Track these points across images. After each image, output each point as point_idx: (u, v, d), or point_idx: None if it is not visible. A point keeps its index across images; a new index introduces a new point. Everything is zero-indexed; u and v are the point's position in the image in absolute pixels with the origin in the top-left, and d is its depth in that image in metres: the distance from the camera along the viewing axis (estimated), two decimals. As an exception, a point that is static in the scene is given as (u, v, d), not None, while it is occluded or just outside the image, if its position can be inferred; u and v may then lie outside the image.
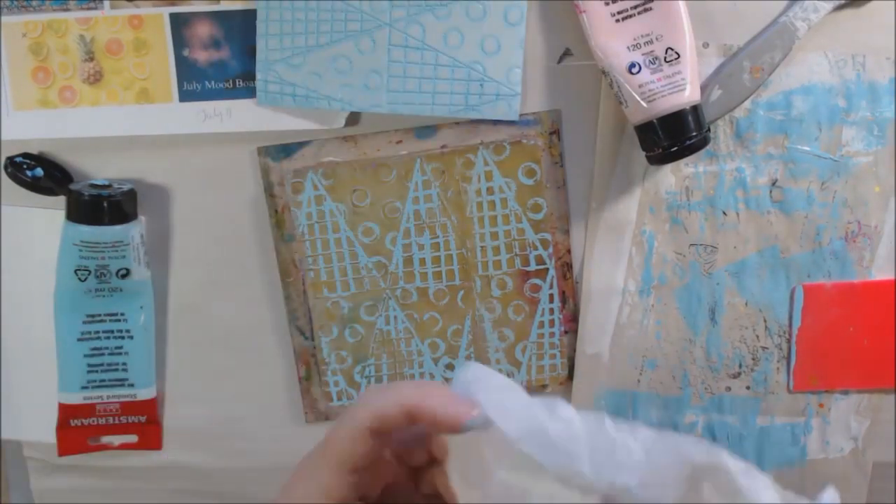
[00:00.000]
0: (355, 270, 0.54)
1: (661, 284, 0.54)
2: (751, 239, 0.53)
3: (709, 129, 0.48)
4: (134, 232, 0.52)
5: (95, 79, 0.51)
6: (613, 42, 0.47)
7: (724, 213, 0.53)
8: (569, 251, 0.54)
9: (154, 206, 0.54)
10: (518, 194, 0.53)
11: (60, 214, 0.51)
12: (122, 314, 0.54)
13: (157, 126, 0.52)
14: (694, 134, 0.47)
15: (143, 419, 0.56)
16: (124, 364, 0.55)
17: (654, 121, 0.47)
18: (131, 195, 0.52)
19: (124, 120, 0.52)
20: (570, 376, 0.56)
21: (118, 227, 0.51)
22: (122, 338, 0.54)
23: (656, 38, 0.47)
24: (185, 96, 0.51)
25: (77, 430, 0.56)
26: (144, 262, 0.53)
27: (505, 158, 0.53)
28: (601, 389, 0.56)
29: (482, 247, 0.54)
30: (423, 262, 0.54)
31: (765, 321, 0.55)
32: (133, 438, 0.57)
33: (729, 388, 0.56)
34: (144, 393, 0.56)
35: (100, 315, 0.54)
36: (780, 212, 0.53)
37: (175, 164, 0.53)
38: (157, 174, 0.54)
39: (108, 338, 0.54)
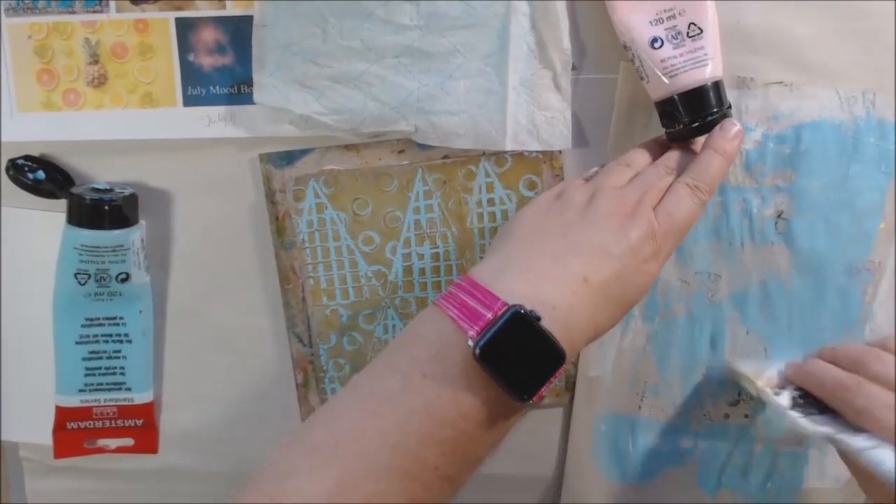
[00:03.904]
0: (355, 279, 0.54)
1: (665, 311, 0.54)
2: (755, 269, 0.53)
3: (730, 106, 0.48)
4: (134, 236, 0.52)
5: (100, 82, 0.51)
6: (636, 16, 0.47)
7: (730, 243, 0.53)
8: None
9: (155, 210, 0.54)
10: (519, 206, 0.53)
11: (61, 217, 0.51)
12: (121, 318, 0.54)
13: (160, 130, 0.52)
14: (715, 110, 0.47)
15: (139, 423, 0.56)
16: (122, 368, 0.55)
17: (675, 96, 0.47)
18: (132, 200, 0.52)
19: (128, 123, 0.52)
20: (567, 388, 0.56)
21: (119, 232, 0.51)
22: (121, 341, 0.54)
23: (679, 13, 0.47)
24: (189, 101, 0.51)
25: (73, 432, 0.56)
26: (144, 267, 0.53)
27: (506, 170, 0.52)
28: (601, 412, 0.56)
29: (481, 258, 0.54)
30: (422, 271, 0.54)
31: (765, 351, 0.54)
32: (129, 442, 0.57)
33: (727, 416, 0.55)
34: (141, 397, 0.56)
35: (98, 318, 0.54)
36: (785, 244, 0.53)
37: (177, 168, 0.53)
38: (159, 178, 0.53)
39: (106, 341, 0.54)
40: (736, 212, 0.53)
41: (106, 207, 0.50)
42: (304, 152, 0.52)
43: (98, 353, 0.54)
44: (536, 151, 0.52)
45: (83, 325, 0.54)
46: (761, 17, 0.50)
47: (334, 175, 0.53)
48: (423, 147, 0.52)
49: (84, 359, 0.54)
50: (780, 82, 0.51)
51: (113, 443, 0.57)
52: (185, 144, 0.52)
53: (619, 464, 0.56)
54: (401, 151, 0.53)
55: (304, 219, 0.53)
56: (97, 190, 0.51)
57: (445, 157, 0.52)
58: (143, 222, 0.53)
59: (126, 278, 0.52)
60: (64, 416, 0.55)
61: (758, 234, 0.53)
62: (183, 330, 0.56)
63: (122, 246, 0.51)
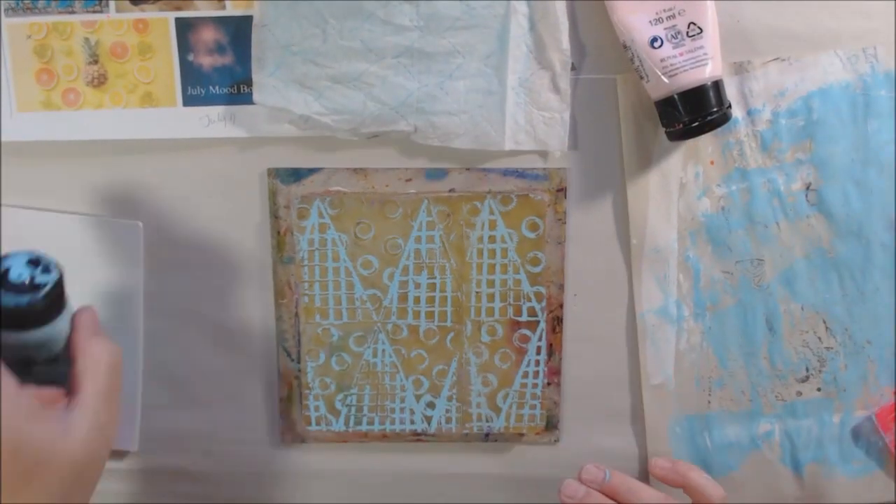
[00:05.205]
0: (350, 301, 0.54)
1: (713, 305, 0.54)
2: (795, 245, 0.53)
3: (730, 106, 0.48)
4: (63, 325, 0.40)
5: (99, 82, 0.51)
6: (635, 16, 0.47)
7: (765, 225, 0.53)
8: (561, 306, 0.54)
9: (155, 210, 0.54)
10: (519, 246, 0.53)
11: (60, 216, 0.51)
12: None
13: (160, 130, 0.52)
14: (715, 110, 0.47)
15: None
16: None
17: (675, 96, 0.47)
18: (57, 290, 0.39)
19: (127, 123, 0.52)
20: (548, 427, 0.56)
21: (44, 329, 0.39)
22: None
23: (679, 13, 0.47)
24: (189, 101, 0.51)
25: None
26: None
27: (511, 210, 0.53)
28: (673, 416, 0.56)
29: (477, 292, 0.54)
30: (417, 300, 0.54)
31: (824, 322, 0.54)
32: None
33: (800, 393, 0.55)
34: None
35: None
36: (820, 213, 0.53)
37: (177, 168, 0.53)
38: (158, 178, 0.53)
39: None
40: (763, 194, 0.52)
41: (24, 313, 0.38)
42: (312, 171, 0.52)
43: None
44: (542, 194, 0.52)
45: None
46: (761, 17, 0.50)
47: (340, 197, 0.53)
48: (430, 178, 0.52)
49: None
50: (778, 58, 0.51)
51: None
52: (184, 144, 0.52)
53: (701, 461, 0.56)
54: (408, 180, 0.53)
55: (306, 237, 0.53)
56: (13, 286, 0.38)
57: (452, 190, 0.53)
58: (71, 305, 0.42)
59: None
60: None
61: (791, 211, 0.53)
62: (182, 329, 0.56)
63: (49, 340, 0.40)
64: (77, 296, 0.53)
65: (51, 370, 0.40)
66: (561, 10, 0.49)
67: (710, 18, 0.47)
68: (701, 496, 0.50)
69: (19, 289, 0.38)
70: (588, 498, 0.50)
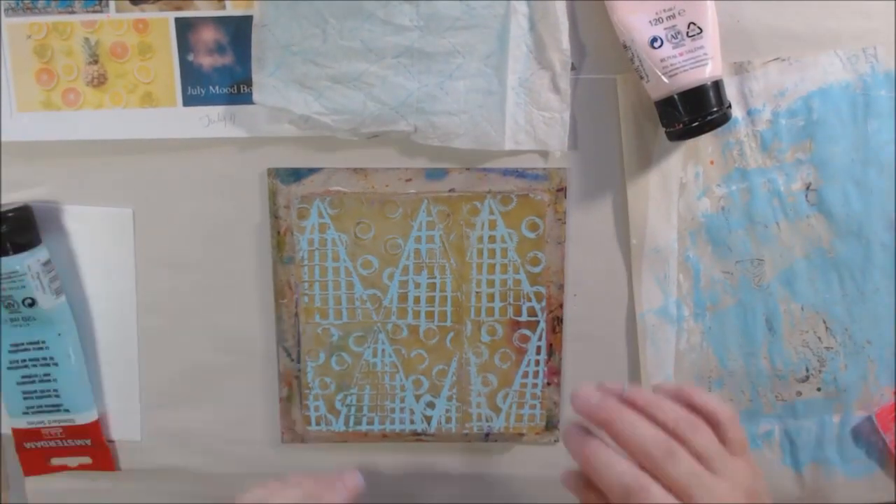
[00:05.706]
0: (350, 301, 0.54)
1: (713, 305, 0.54)
2: (795, 245, 0.53)
3: (729, 106, 0.48)
4: (31, 261, 0.51)
5: (99, 82, 0.51)
6: (635, 16, 0.47)
7: (765, 225, 0.53)
8: (561, 306, 0.54)
9: (154, 209, 0.54)
10: (519, 246, 0.53)
11: (49, 206, 0.51)
12: (43, 342, 0.53)
13: (160, 130, 0.52)
14: (715, 109, 0.47)
15: (87, 442, 0.56)
16: (55, 390, 0.54)
17: (675, 96, 0.47)
18: (22, 224, 0.49)
19: (127, 123, 0.52)
20: (548, 427, 0.56)
21: (8, 259, 0.50)
22: (48, 365, 0.54)
23: (679, 13, 0.47)
24: (189, 101, 0.51)
25: (33, 451, 0.56)
26: (52, 290, 0.52)
27: (511, 210, 0.53)
28: None
29: (477, 292, 0.54)
30: (417, 300, 0.54)
31: (824, 322, 0.54)
32: (88, 460, 0.57)
33: (800, 393, 0.56)
34: (83, 417, 0.55)
35: (23, 344, 0.53)
36: (820, 213, 0.53)
37: (177, 168, 0.53)
38: (158, 178, 0.53)
39: (34, 365, 0.53)
40: (763, 194, 0.53)
41: None
42: (311, 171, 0.52)
43: (30, 377, 0.54)
44: (542, 194, 0.52)
45: (10, 351, 0.53)
46: (761, 17, 0.50)
47: (340, 197, 0.53)
48: (430, 178, 0.52)
49: (19, 383, 0.54)
50: (778, 58, 0.51)
51: (73, 461, 0.57)
52: (184, 144, 0.52)
53: None
54: (408, 180, 0.53)
55: (306, 237, 0.53)
56: None
57: (452, 190, 0.53)
58: (43, 246, 0.51)
59: (32, 303, 0.51)
60: (20, 437, 0.55)
61: (791, 211, 0.53)
62: (181, 329, 0.56)
63: (16, 272, 0.50)
64: (71, 286, 0.53)
65: None
66: (561, 10, 0.49)
67: (710, 18, 0.47)
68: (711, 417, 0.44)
69: None
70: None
